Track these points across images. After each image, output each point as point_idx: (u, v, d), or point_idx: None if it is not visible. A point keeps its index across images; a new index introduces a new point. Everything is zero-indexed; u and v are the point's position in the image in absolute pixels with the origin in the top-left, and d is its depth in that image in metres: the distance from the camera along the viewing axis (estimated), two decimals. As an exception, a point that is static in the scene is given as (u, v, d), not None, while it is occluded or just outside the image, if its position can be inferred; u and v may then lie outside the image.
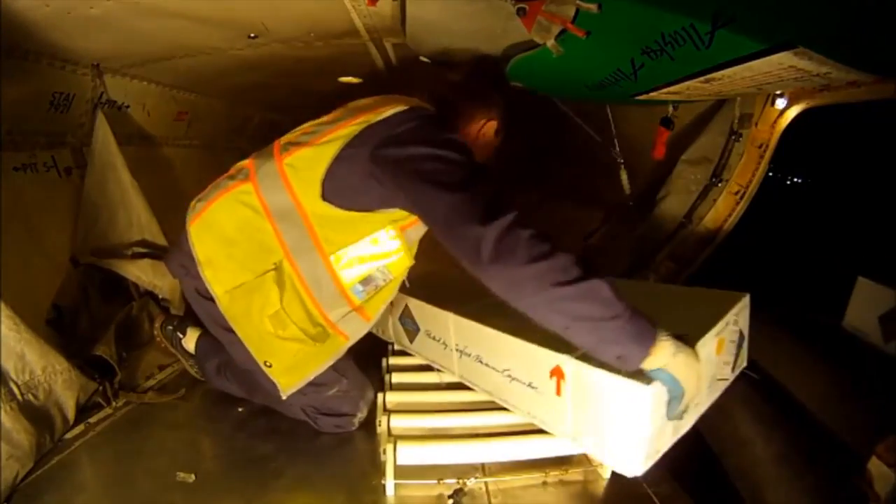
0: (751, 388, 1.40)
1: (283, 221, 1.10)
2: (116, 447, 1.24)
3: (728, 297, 1.13)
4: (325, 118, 1.20)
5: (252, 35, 1.76)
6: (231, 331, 1.16)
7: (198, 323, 1.44)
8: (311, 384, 1.23)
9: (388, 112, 1.10)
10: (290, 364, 1.17)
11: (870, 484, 0.99)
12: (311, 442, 1.28)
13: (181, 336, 1.58)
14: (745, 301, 1.14)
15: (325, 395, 1.27)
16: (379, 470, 1.14)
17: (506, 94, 1.39)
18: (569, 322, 0.86)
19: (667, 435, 0.96)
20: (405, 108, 1.13)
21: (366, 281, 1.15)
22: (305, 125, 1.21)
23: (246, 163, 1.20)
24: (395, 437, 1.15)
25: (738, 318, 1.12)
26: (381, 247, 1.13)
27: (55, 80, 1.67)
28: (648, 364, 0.85)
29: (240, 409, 1.43)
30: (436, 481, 1.11)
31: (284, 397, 1.21)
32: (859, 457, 1.05)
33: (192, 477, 1.12)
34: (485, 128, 1.33)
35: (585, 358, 0.95)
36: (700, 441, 1.47)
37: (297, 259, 1.11)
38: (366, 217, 1.09)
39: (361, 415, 1.33)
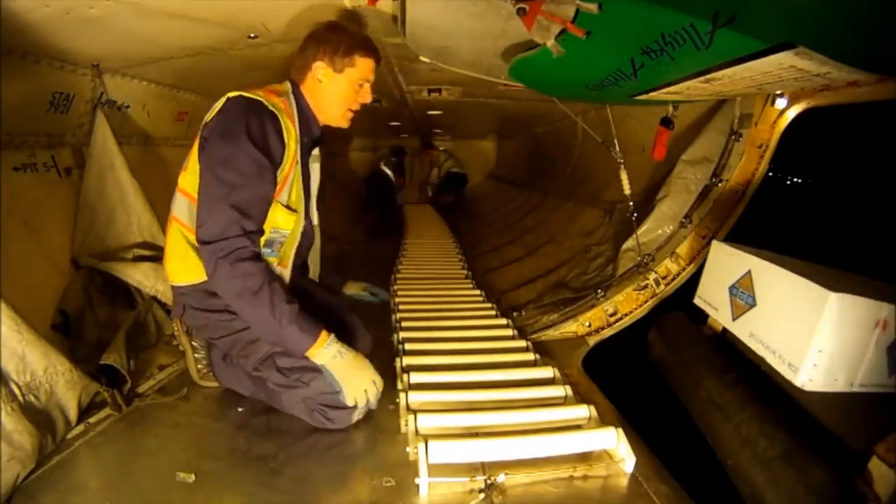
0: (750, 387, 1.40)
1: None
2: (116, 447, 1.24)
3: None
4: None
5: (252, 35, 1.76)
6: None
7: None
8: (314, 369, 1.27)
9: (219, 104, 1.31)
10: None
11: (870, 484, 0.99)
12: (311, 441, 1.28)
13: None
14: None
15: (326, 382, 1.27)
16: (377, 468, 1.16)
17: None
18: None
19: None
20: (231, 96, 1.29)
21: (268, 244, 1.34)
22: None
23: None
24: (425, 436, 1.16)
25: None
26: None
27: (55, 80, 1.67)
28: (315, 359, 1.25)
29: (240, 409, 1.43)
30: (468, 479, 1.12)
31: None
32: (859, 457, 1.05)
33: (192, 477, 1.12)
34: (314, 73, 1.36)
35: None
36: (700, 441, 1.47)
37: None
38: None
39: (362, 408, 1.32)
